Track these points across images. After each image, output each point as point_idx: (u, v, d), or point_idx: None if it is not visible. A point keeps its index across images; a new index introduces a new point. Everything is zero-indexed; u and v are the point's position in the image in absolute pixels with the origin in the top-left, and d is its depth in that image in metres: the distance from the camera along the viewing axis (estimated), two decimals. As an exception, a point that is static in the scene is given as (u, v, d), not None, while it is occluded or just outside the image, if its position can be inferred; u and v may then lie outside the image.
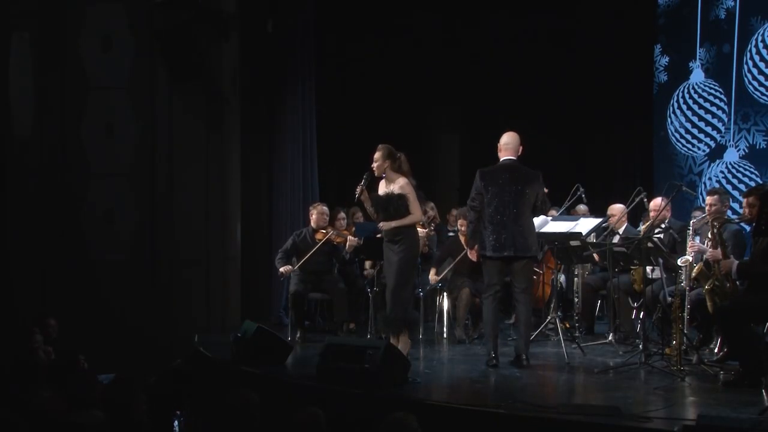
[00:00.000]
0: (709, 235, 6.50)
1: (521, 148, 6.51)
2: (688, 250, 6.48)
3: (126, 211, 8.33)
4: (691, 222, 6.73)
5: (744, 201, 6.16)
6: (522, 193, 6.38)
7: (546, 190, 6.59)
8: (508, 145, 6.49)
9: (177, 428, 5.61)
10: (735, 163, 9.56)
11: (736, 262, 5.84)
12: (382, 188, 6.54)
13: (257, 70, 9.50)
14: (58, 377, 5.62)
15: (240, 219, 9.00)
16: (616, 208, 7.91)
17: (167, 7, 8.18)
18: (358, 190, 6.50)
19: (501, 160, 6.51)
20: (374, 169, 6.48)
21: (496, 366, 6.36)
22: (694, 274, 6.21)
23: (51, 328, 7.19)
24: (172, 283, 8.38)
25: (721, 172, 9.68)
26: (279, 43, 9.74)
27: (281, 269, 8.04)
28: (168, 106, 8.42)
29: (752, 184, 9.06)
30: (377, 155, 6.47)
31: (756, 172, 9.33)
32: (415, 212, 6.46)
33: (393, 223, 6.41)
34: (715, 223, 6.18)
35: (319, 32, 9.94)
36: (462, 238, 7.95)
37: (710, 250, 6.09)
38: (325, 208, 8.29)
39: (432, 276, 7.99)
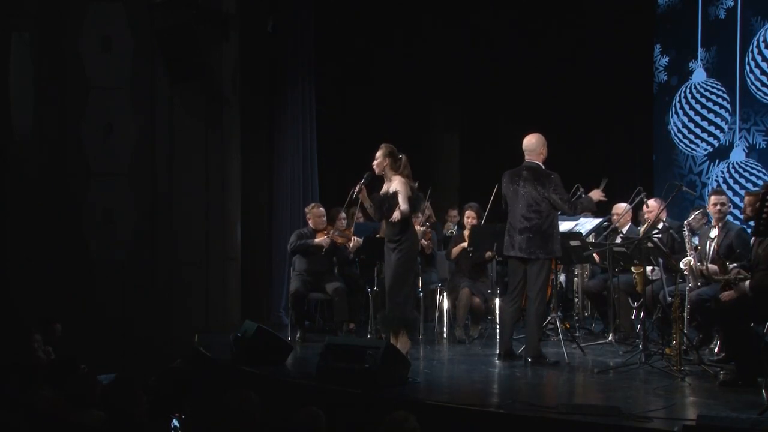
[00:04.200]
0: (711, 236, 6.49)
1: (543, 149, 6.59)
2: (689, 251, 6.48)
3: (126, 211, 8.34)
4: (686, 221, 6.73)
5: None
6: (530, 194, 6.44)
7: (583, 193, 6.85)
8: (526, 148, 6.61)
9: (177, 428, 5.60)
10: (742, 163, 9.53)
11: (747, 282, 5.77)
12: (384, 188, 6.53)
13: (257, 70, 9.50)
14: (58, 377, 5.61)
15: (240, 219, 9.00)
16: (620, 208, 7.90)
17: (167, 7, 8.19)
18: (357, 188, 6.50)
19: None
20: (374, 166, 6.47)
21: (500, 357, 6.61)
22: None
23: (55, 331, 7.18)
24: (171, 284, 8.38)
25: (729, 171, 9.64)
26: (279, 43, 9.74)
27: (317, 240, 7.95)
28: (168, 106, 8.43)
29: (760, 182, 9.04)
30: (378, 153, 6.46)
31: (764, 170, 9.29)
32: (401, 206, 6.32)
33: (394, 214, 6.36)
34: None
35: (318, 32, 9.92)
36: (466, 233, 8.02)
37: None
38: (322, 210, 8.20)
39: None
